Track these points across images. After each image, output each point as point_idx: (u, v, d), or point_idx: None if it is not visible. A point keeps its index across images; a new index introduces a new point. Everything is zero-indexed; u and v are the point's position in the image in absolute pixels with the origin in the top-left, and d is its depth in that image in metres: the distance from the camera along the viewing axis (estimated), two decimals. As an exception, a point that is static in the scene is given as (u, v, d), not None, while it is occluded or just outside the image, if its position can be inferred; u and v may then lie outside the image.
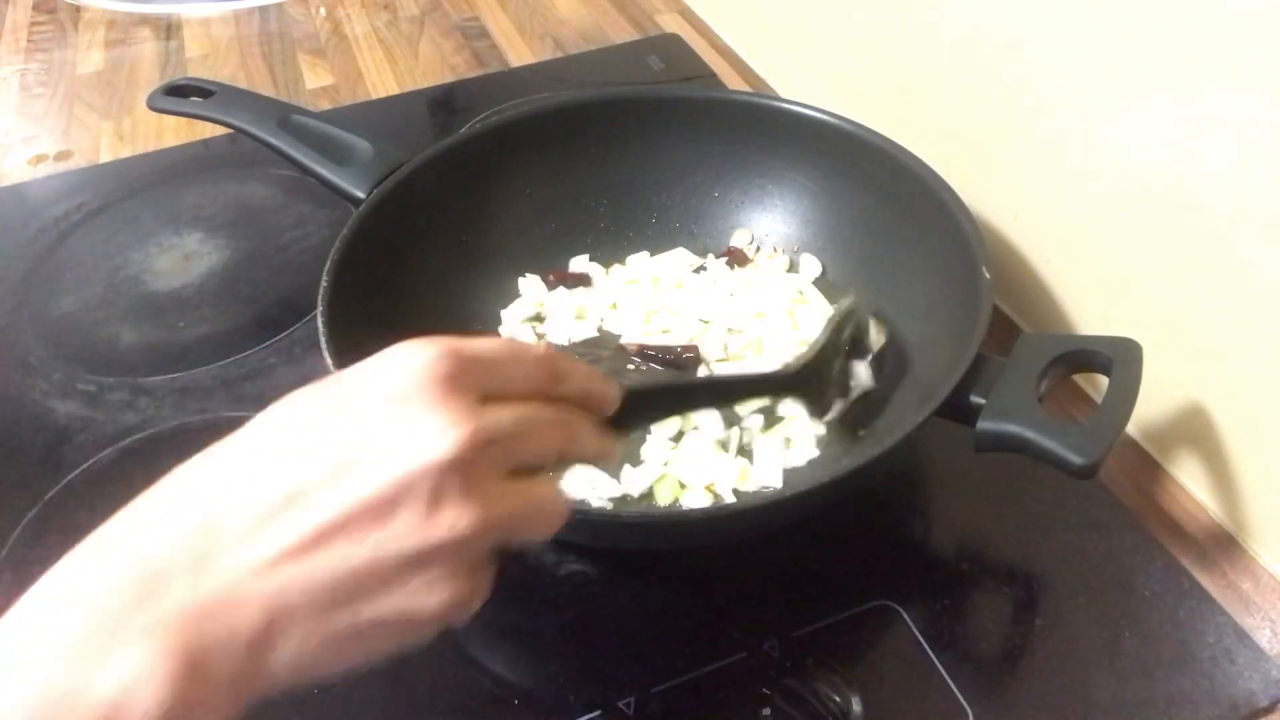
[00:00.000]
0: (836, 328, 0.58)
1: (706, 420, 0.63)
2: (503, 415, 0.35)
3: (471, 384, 0.35)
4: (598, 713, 0.50)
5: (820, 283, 0.71)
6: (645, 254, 0.74)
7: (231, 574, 0.31)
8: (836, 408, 0.59)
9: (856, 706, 0.48)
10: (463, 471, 0.33)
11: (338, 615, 0.33)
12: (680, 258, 0.74)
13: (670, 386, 0.56)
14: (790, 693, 0.49)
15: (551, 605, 0.55)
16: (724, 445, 0.62)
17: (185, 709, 0.30)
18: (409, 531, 0.33)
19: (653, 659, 0.51)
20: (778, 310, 0.70)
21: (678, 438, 0.62)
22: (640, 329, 0.70)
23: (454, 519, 0.33)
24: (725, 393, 0.55)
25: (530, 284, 0.72)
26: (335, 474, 0.32)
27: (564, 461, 0.40)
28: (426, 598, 0.34)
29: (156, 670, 0.29)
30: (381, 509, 0.32)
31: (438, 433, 0.33)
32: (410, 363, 0.34)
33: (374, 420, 0.33)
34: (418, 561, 0.33)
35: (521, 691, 0.51)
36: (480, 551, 0.35)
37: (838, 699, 0.49)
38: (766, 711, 0.49)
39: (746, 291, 0.71)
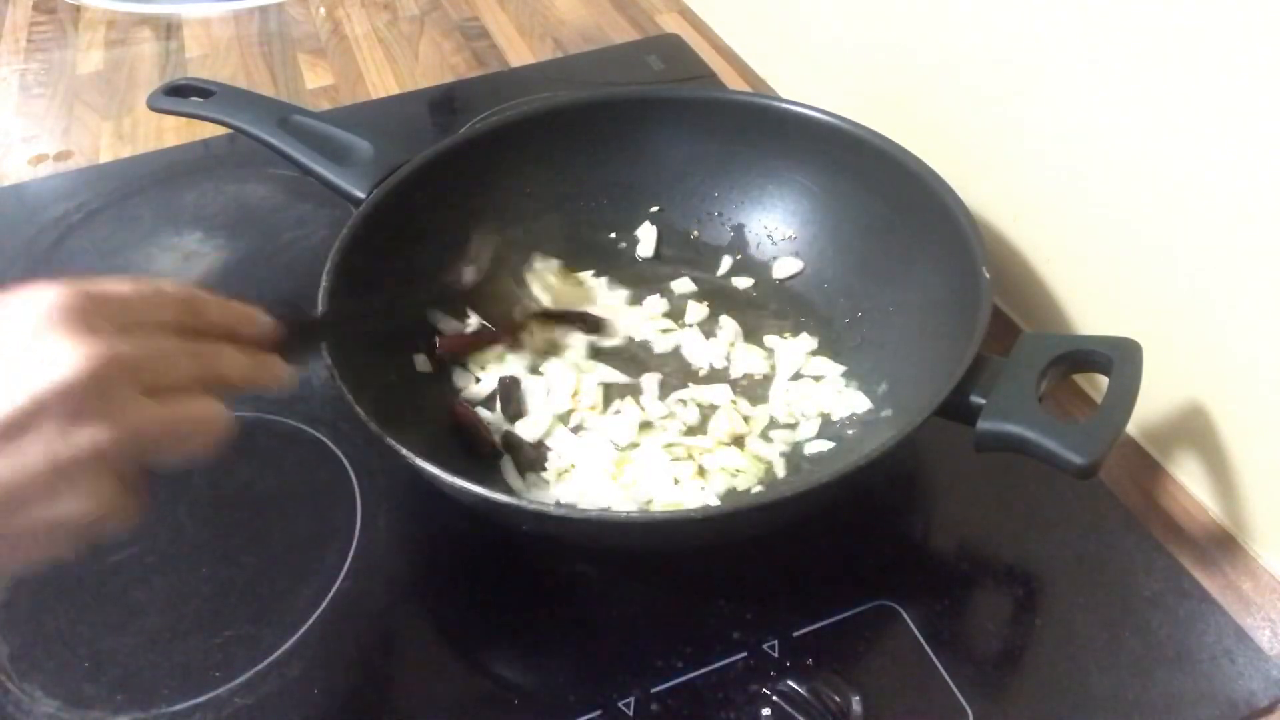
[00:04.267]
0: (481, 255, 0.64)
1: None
2: (133, 340, 0.38)
3: (103, 318, 0.38)
4: (598, 713, 0.50)
5: (816, 284, 0.71)
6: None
7: None
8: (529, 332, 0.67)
9: (856, 706, 0.48)
10: (96, 390, 0.36)
11: None
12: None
13: (325, 316, 0.58)
14: (790, 693, 0.49)
15: (551, 605, 0.55)
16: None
17: None
18: (47, 447, 0.35)
19: (653, 659, 0.51)
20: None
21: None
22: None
23: (91, 434, 0.36)
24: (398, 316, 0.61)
25: None
26: None
27: (221, 385, 0.42)
28: (74, 508, 0.37)
29: None
30: (19, 428, 0.35)
31: (67, 356, 0.36)
32: (41, 301, 0.37)
33: (9, 353, 0.36)
34: (61, 475, 0.36)
35: (521, 691, 0.51)
36: (124, 465, 0.38)
37: (838, 699, 0.49)
38: (766, 711, 0.49)
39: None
